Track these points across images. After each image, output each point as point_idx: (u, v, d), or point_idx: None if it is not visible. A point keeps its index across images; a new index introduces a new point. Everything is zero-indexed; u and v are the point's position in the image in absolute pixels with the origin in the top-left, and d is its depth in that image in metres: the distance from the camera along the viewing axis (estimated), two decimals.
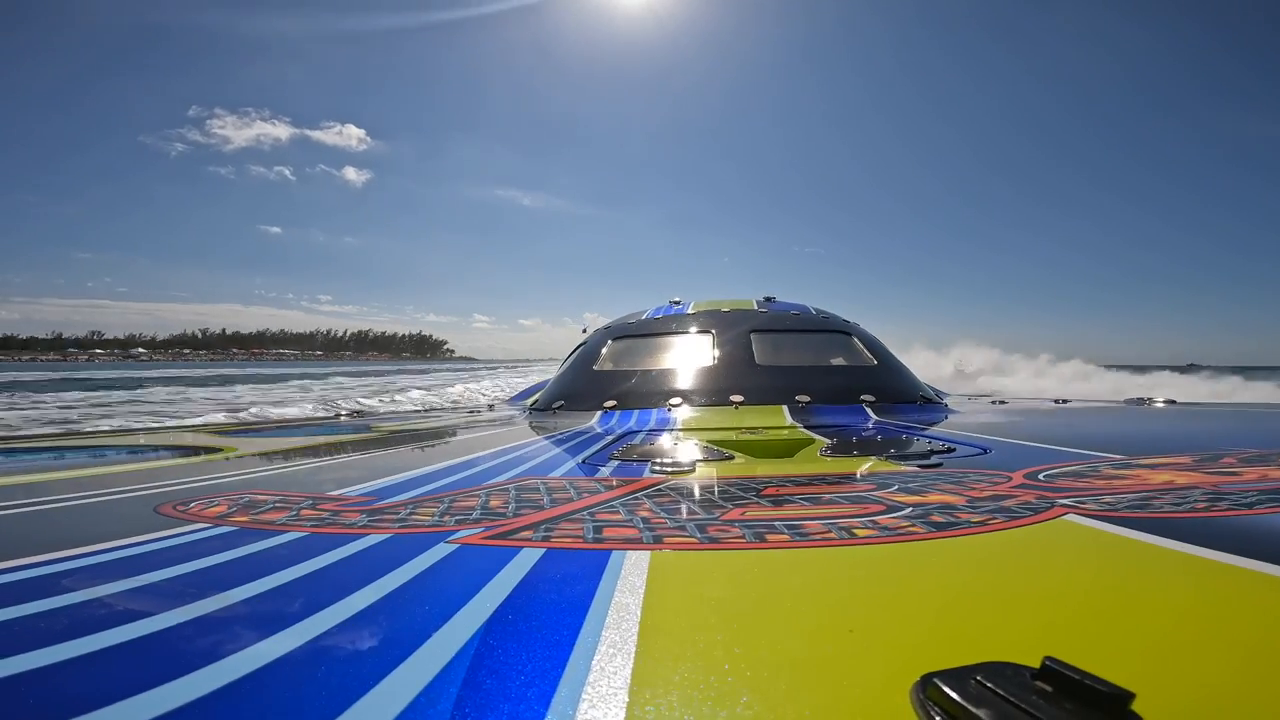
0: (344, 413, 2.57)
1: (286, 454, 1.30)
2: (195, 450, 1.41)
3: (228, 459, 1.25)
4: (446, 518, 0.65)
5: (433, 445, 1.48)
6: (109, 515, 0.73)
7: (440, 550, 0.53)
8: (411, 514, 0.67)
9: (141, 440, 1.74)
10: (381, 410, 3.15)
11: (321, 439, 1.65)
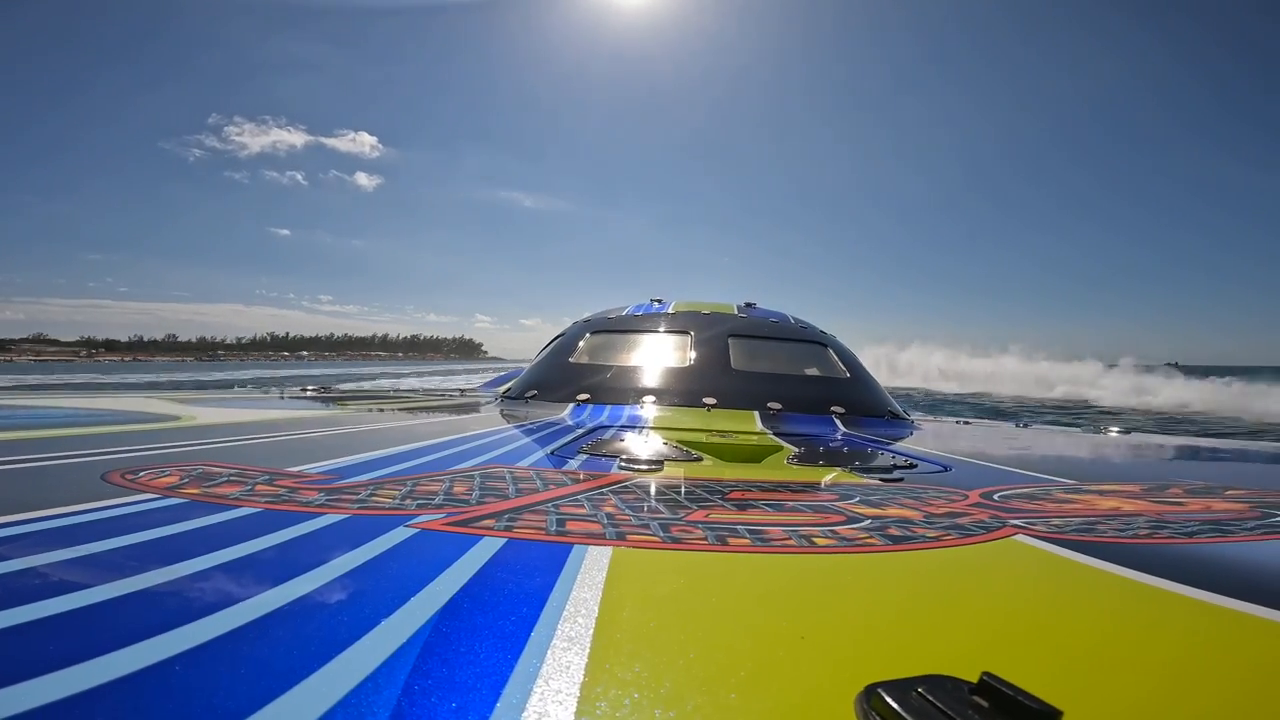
0: (310, 388, 2.50)
1: (246, 426, 1.26)
2: (151, 416, 1.36)
3: (184, 427, 1.21)
4: (408, 501, 0.64)
5: (400, 426, 1.45)
6: (52, 480, 0.70)
7: (399, 534, 0.52)
8: (372, 495, 0.66)
9: (97, 403, 1.67)
10: (348, 388, 3.08)
11: (284, 413, 1.61)
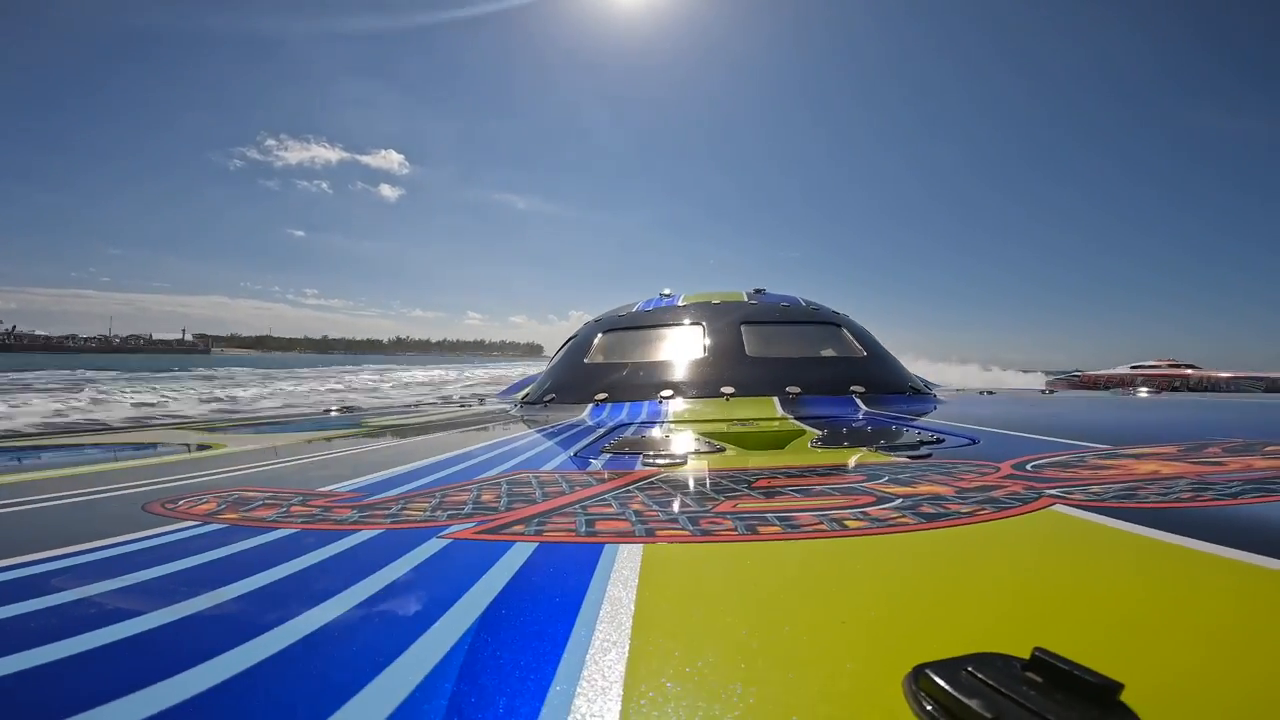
0: (334, 408, 2.54)
1: (276, 450, 1.29)
2: (183, 447, 1.39)
3: (216, 456, 1.24)
4: (438, 513, 0.65)
5: (424, 440, 1.47)
6: (96, 514, 0.72)
7: (432, 545, 0.53)
8: (403, 509, 0.67)
9: (129, 437, 1.71)
10: (372, 405, 3.12)
11: (311, 435, 1.64)
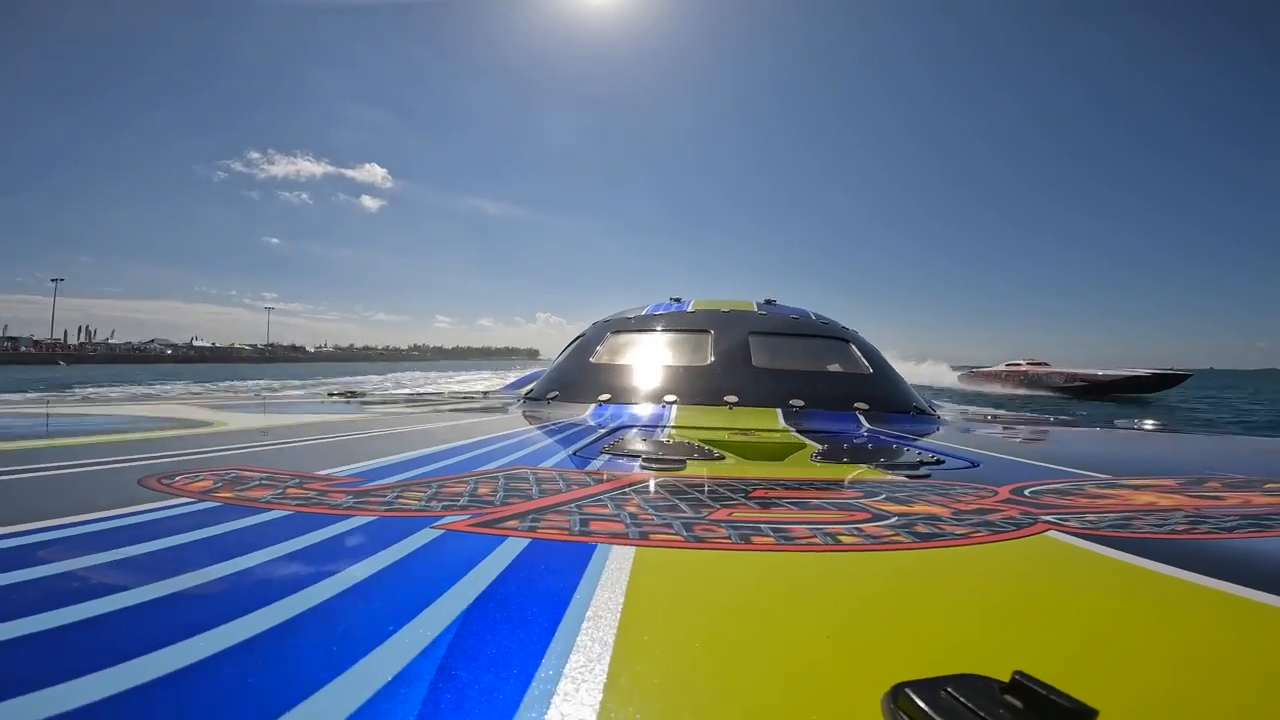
0: (335, 393, 2.55)
1: (276, 431, 1.29)
2: (185, 422, 1.40)
3: (217, 433, 1.24)
4: (433, 503, 0.65)
5: (425, 430, 1.47)
6: (91, 486, 0.72)
7: (425, 535, 0.53)
8: (398, 498, 0.67)
9: (132, 410, 1.73)
10: (373, 392, 3.13)
11: (312, 418, 1.64)
